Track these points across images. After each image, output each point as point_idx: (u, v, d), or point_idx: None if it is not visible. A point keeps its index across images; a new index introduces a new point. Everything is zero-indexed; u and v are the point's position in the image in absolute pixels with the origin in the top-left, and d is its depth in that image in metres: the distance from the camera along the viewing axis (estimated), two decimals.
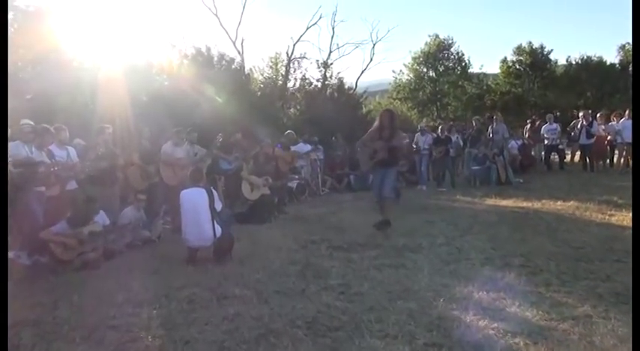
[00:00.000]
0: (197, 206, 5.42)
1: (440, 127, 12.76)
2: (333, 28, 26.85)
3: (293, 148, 12.00)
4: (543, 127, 13.63)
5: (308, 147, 12.50)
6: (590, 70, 31.12)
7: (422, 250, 5.56)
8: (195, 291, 4.41)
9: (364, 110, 23.97)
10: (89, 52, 18.84)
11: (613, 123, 12.28)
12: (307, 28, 25.30)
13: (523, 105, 31.50)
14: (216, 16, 25.25)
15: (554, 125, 13.38)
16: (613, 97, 29.75)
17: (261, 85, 23.48)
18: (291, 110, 21.43)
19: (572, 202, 8.12)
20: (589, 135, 12.59)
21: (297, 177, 11.29)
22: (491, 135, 12.98)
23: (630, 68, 30.99)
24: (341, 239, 6.34)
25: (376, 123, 6.78)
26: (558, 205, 8.09)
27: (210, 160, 8.50)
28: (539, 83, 31.57)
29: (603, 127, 12.52)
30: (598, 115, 12.91)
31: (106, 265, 5.55)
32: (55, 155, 6.01)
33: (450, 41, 32.84)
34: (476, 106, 33.22)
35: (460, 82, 33.29)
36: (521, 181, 11.69)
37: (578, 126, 12.87)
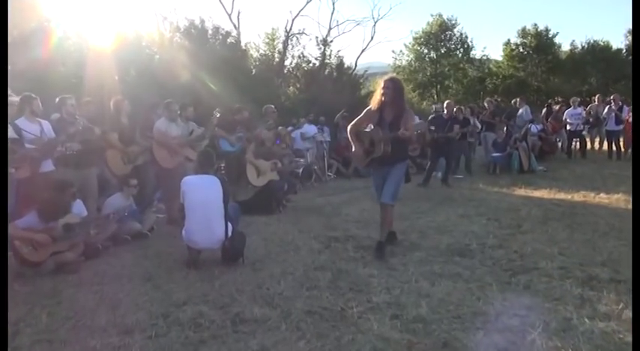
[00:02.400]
0: (208, 200, 4.33)
1: (456, 109, 11.71)
2: (333, 3, 25.60)
3: (301, 131, 10.97)
4: (567, 111, 12.69)
5: (314, 128, 11.48)
6: (595, 55, 30.23)
7: (473, 254, 4.59)
8: (201, 309, 3.39)
9: (363, 92, 22.91)
10: (74, 21, 17.45)
11: None
12: (307, 2, 23.93)
13: (526, 89, 30.57)
14: None
15: (579, 110, 12.41)
16: (618, 83, 28.96)
17: (257, 63, 22.23)
18: (290, 89, 20.24)
19: (618, 196, 7.21)
20: (618, 121, 11.67)
21: (302, 161, 10.25)
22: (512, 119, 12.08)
23: None
24: (367, 237, 5.35)
25: (374, 100, 4.71)
26: (604, 199, 7.17)
27: (208, 141, 7.34)
28: (543, 67, 30.63)
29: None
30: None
31: (87, 267, 4.50)
32: (22, 129, 4.90)
33: (454, 22, 31.76)
34: (477, 89, 32.39)
35: (462, 65, 32.31)
36: (545, 169, 10.78)
37: (606, 110, 11.94)
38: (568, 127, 12.48)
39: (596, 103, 12.53)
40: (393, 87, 4.60)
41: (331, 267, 4.31)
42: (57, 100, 5.67)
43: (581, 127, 12.33)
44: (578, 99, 13.15)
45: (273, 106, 8.50)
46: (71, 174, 5.50)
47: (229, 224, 4.40)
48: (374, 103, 4.71)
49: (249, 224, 6.06)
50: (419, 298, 3.51)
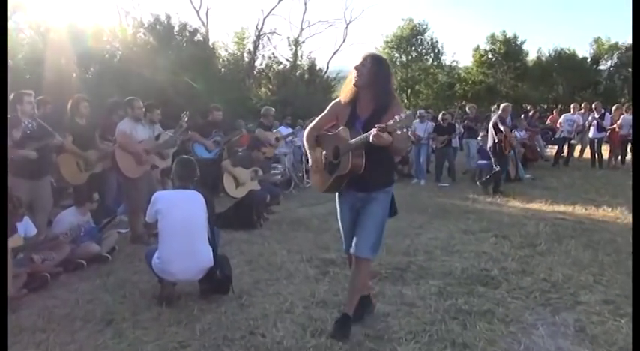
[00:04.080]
0: (191, 221, 3.50)
1: (442, 114, 11.23)
2: (305, 3, 24.90)
3: (275, 131, 10.22)
4: (563, 116, 12.40)
5: (290, 131, 10.74)
6: (562, 63, 30.71)
7: (497, 283, 3.95)
8: None
9: (335, 95, 22.39)
10: (27, 11, 16.13)
11: (626, 115, 11.15)
12: (279, 1, 23.15)
13: (495, 95, 30.76)
14: None
15: (576, 116, 12.05)
16: (584, 91, 29.49)
17: (226, 63, 21.32)
18: (262, 90, 19.42)
19: (622, 209, 6.78)
20: (600, 128, 11.45)
21: (280, 167, 9.49)
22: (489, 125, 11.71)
23: (601, 63, 30.95)
24: None
25: (344, 88, 3.07)
26: (608, 212, 6.74)
27: (177, 147, 6.42)
28: (511, 74, 30.87)
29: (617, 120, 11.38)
30: (614, 107, 11.81)
31: (29, 304, 3.59)
32: None
33: (425, 26, 31.64)
34: (447, 94, 32.40)
35: (432, 70, 32.26)
36: (533, 178, 10.40)
37: (589, 118, 11.72)
38: (561, 134, 12.14)
39: (582, 110, 12.30)
40: (372, 65, 2.91)
41: (335, 302, 3.58)
42: (11, 96, 4.72)
43: (573, 134, 12.00)
44: (578, 105, 12.81)
45: (272, 109, 7.87)
46: (22, 185, 4.57)
47: (211, 249, 3.61)
48: (344, 92, 3.03)
49: (228, 242, 5.28)
50: (455, 348, 2.83)
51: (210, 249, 3.56)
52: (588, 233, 5.58)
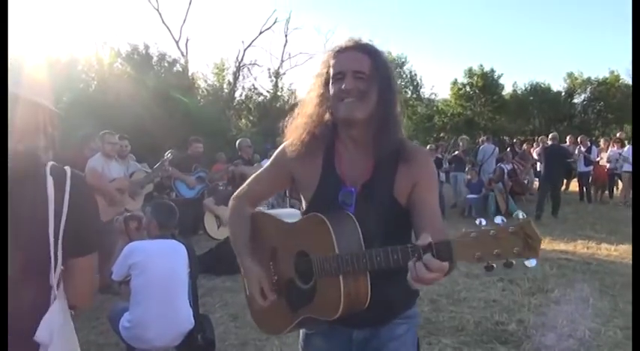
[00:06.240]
0: (173, 278, 2.95)
1: (428, 147, 11.00)
2: (286, 36, 24.85)
3: (257, 165, 9.78)
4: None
5: None
6: (537, 96, 31.32)
7: (518, 341, 3.51)
8: None
9: None
10: None
11: (615, 149, 11.10)
12: (260, 33, 23.05)
13: (474, 127, 31.07)
14: (158, 11, 22.39)
15: None
16: (560, 124, 30.03)
17: (205, 94, 20.98)
18: (242, 121, 19.06)
19: (625, 247, 6.49)
20: (587, 162, 11.35)
21: (265, 202, 8.99)
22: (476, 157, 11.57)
23: (575, 97, 31.70)
24: None
25: (297, 126, 1.55)
26: (612, 251, 6.44)
27: (153, 186, 5.91)
28: (489, 107, 31.31)
29: (604, 154, 11.32)
30: (602, 141, 11.77)
31: None
32: None
33: (403, 60, 32.03)
34: (426, 126, 32.62)
35: (411, 102, 32.50)
36: (524, 214, 10.11)
37: (576, 152, 11.62)
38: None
39: (567, 143, 12.25)
40: (379, 73, 1.44)
41: None
42: None
43: None
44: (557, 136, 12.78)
45: (247, 140, 7.40)
46: None
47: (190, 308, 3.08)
48: (299, 131, 1.55)
49: (209, 292, 4.75)
50: None
51: (191, 309, 3.03)
52: (599, 276, 5.23)
